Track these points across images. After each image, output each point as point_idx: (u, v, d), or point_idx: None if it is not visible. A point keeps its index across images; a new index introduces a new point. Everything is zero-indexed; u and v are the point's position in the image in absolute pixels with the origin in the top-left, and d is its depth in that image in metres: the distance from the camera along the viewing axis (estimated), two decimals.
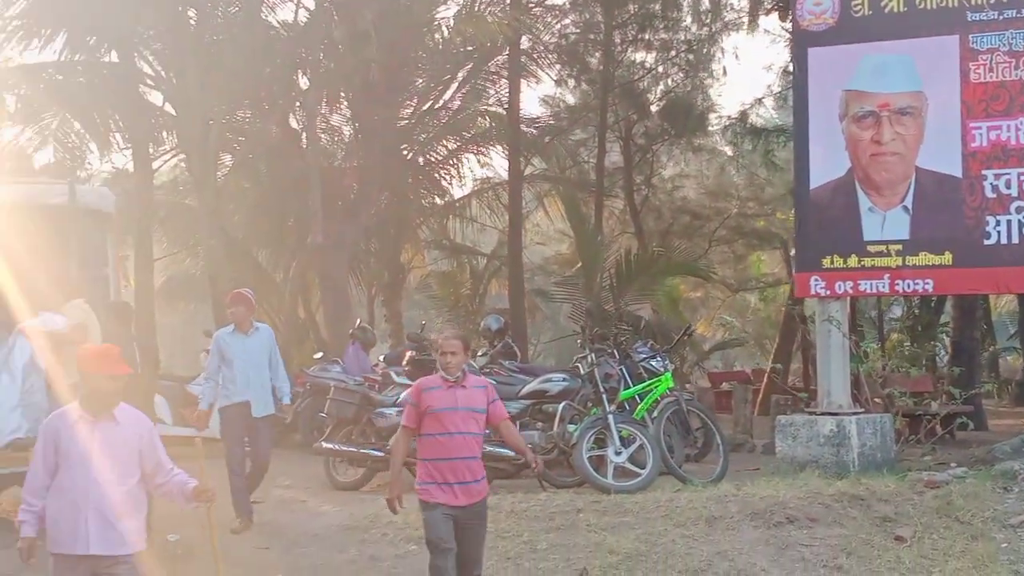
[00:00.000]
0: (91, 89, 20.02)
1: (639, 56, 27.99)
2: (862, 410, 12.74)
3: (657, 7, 26.13)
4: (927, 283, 12.48)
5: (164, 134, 21.86)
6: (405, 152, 23.88)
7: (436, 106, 24.05)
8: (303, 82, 21.88)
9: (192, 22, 19.42)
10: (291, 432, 16.31)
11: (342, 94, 22.47)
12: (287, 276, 23.19)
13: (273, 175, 22.74)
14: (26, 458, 10.94)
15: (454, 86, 23.96)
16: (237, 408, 11.18)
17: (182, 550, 9.69)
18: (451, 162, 25.33)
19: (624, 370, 13.31)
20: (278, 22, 21.77)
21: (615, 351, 13.48)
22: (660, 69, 27.86)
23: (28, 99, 20.00)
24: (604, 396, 12.23)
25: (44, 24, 19.34)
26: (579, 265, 22.69)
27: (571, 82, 27.89)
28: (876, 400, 13.84)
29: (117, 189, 16.99)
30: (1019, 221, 11.94)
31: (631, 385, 13.12)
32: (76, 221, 12.72)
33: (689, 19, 26.66)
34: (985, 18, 12.20)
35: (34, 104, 20.12)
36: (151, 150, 21.55)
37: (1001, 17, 12.13)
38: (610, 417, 11.91)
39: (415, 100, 23.66)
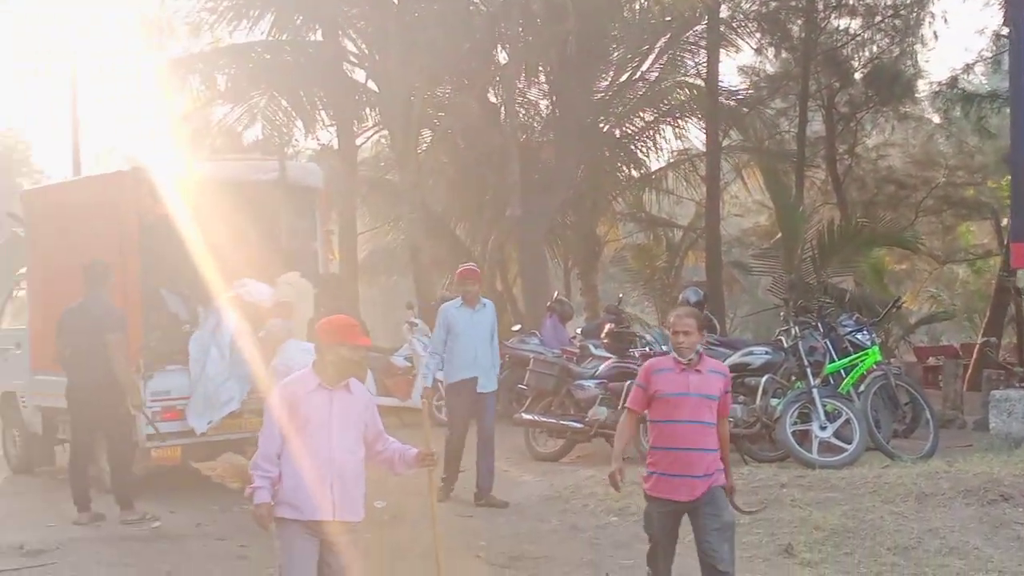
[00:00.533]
0: (297, 68, 20.63)
1: (843, 23, 27.29)
2: None
3: None
4: None
5: (367, 111, 22.39)
6: (601, 125, 23.88)
7: (633, 78, 23.99)
8: (502, 57, 22.06)
9: (395, 0, 19.77)
10: None
11: (540, 68, 22.58)
12: (485, 249, 23.45)
13: (472, 149, 23.05)
14: (239, 425, 11.46)
15: (651, 57, 23.91)
16: (464, 385, 11.08)
17: (388, 516, 9.92)
18: (648, 134, 25.23)
19: (829, 343, 12.98)
20: None
21: (819, 324, 13.16)
22: (865, 35, 27.07)
23: (237, 78, 20.67)
24: (808, 370, 12.01)
25: (253, 6, 20.00)
26: (778, 237, 22.31)
27: (771, 51, 27.35)
28: None
29: (323, 165, 17.44)
30: None
31: (836, 359, 12.80)
32: (287, 196, 13.09)
33: None
34: None
35: (243, 83, 20.77)
36: (355, 127, 22.09)
37: None
38: (815, 391, 11.69)
39: (612, 72, 23.67)
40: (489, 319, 11.22)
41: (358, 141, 23.18)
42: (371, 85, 21.25)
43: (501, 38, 21.47)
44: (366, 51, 20.63)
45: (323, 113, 21.91)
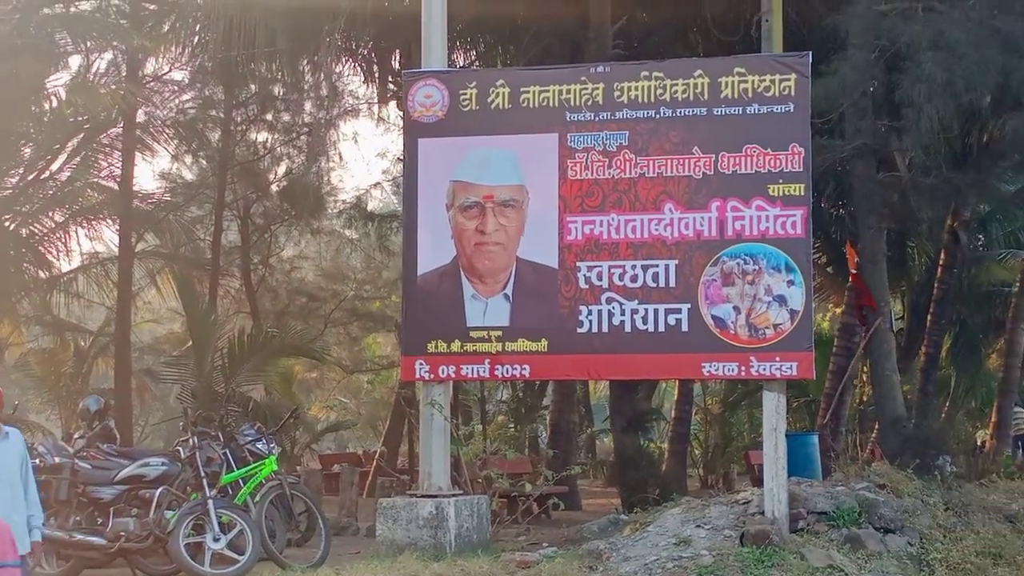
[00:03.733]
0: None
1: (261, 136, 28.02)
2: (461, 492, 13.03)
3: (278, 89, 26.22)
4: (524, 369, 12.93)
5: None
6: (7, 223, 22.72)
7: (43, 176, 23.10)
8: None
9: None
10: None
11: None
12: None
13: None
14: None
15: (63, 157, 23.13)
16: None
17: None
18: (58, 235, 24.32)
19: (228, 453, 13.05)
20: None
21: (219, 434, 13.20)
22: (280, 150, 27.92)
23: None
24: (205, 480, 12.00)
25: None
26: (190, 344, 22.21)
27: (189, 158, 27.52)
28: (478, 482, 14.19)
29: None
30: (609, 311, 12.52)
31: (235, 468, 12.90)
32: None
33: (309, 104, 26.88)
34: (582, 119, 12.80)
35: None
36: None
37: (596, 118, 12.76)
38: (210, 502, 11.66)
39: (21, 169, 22.63)
40: (15, 451, 8.08)
41: None
42: None
43: None
44: None
45: None
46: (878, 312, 17.67)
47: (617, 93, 12.71)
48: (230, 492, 12.57)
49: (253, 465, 12.94)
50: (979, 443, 24.45)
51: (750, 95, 12.37)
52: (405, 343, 13.56)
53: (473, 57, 23.29)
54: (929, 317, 22.84)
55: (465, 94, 13.08)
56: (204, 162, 27.44)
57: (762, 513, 11.68)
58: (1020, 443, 26.00)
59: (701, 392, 28.07)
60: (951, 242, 21.95)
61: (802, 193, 12.17)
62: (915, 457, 14.89)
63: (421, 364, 12.94)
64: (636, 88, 12.69)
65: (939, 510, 12.49)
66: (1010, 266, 25.64)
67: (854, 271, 18.63)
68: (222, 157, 26.09)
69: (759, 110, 12.34)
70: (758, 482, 15.93)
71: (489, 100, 13.04)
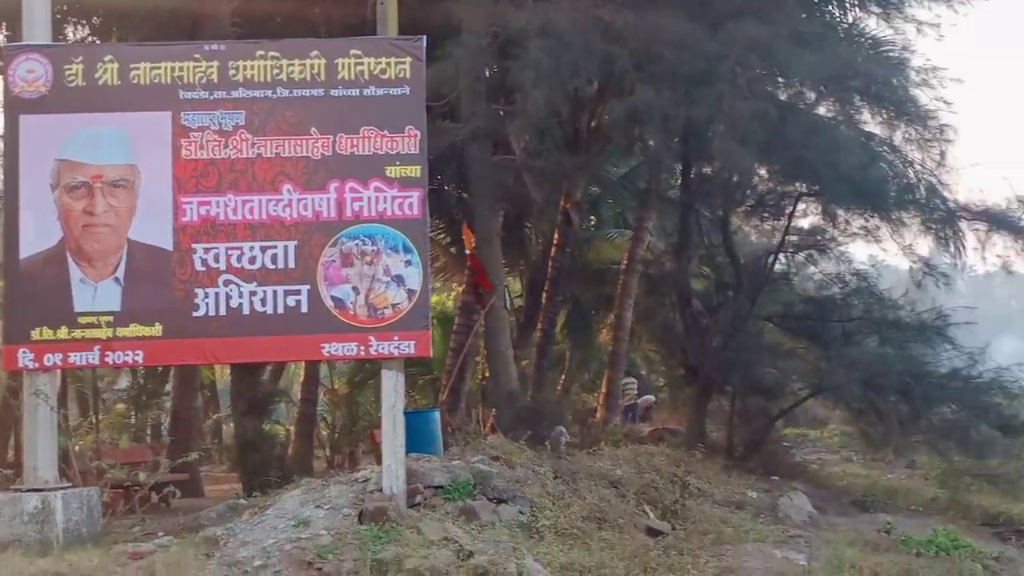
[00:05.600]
0: None
1: None
2: (70, 485, 12.49)
3: None
4: (137, 355, 12.48)
5: None
6: None
7: None
8: None
9: None
10: None
11: None
12: None
13: None
14: None
15: None
16: None
17: None
18: None
19: None
20: None
21: None
22: None
23: None
24: None
25: None
26: None
27: None
28: (90, 473, 13.64)
29: None
30: (227, 294, 12.35)
31: None
32: None
33: None
34: (196, 97, 12.56)
35: None
36: None
37: (211, 97, 12.56)
38: None
39: None
40: None
41: None
42: None
43: None
44: None
45: None
46: (493, 291, 18.22)
47: (232, 72, 12.58)
48: None
49: None
50: (593, 412, 25.61)
51: (367, 77, 12.52)
52: (6, 331, 12.80)
53: (87, 33, 22.23)
54: (544, 295, 23.70)
55: (71, 69, 12.57)
56: None
57: (381, 490, 11.85)
58: (630, 412, 27.49)
59: (329, 373, 28.05)
60: (564, 223, 22.80)
61: (419, 175, 12.43)
62: (529, 429, 15.52)
63: (25, 353, 12.31)
64: (252, 67, 12.60)
65: (549, 479, 13.07)
66: (618, 244, 26.96)
67: (470, 251, 19.12)
68: None
69: (376, 92, 12.51)
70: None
71: (97, 76, 12.60)
